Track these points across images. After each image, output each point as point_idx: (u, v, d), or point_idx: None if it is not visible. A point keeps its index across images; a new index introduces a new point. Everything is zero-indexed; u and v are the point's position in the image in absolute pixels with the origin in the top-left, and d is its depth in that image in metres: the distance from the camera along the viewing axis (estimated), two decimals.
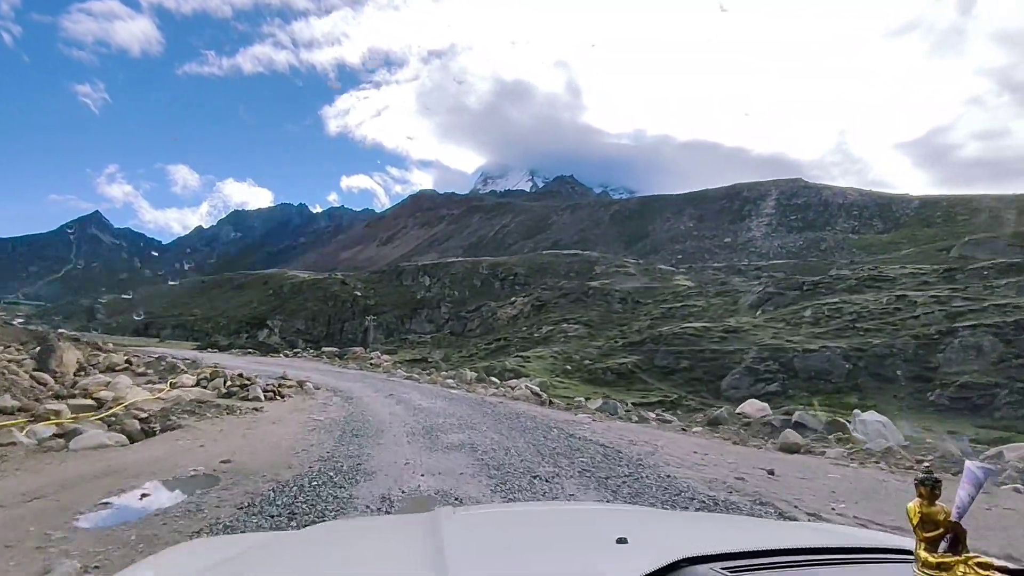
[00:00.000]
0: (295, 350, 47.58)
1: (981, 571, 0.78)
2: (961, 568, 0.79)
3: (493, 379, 23.18)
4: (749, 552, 0.98)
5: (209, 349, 41.60)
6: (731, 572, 0.88)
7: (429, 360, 43.19)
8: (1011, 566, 0.81)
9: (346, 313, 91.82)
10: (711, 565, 0.91)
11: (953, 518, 0.82)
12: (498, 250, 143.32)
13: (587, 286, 68.65)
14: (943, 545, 0.83)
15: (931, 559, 0.81)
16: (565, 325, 52.75)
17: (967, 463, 0.85)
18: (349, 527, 2.02)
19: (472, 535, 1.39)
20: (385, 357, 36.48)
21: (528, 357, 39.65)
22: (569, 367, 37.31)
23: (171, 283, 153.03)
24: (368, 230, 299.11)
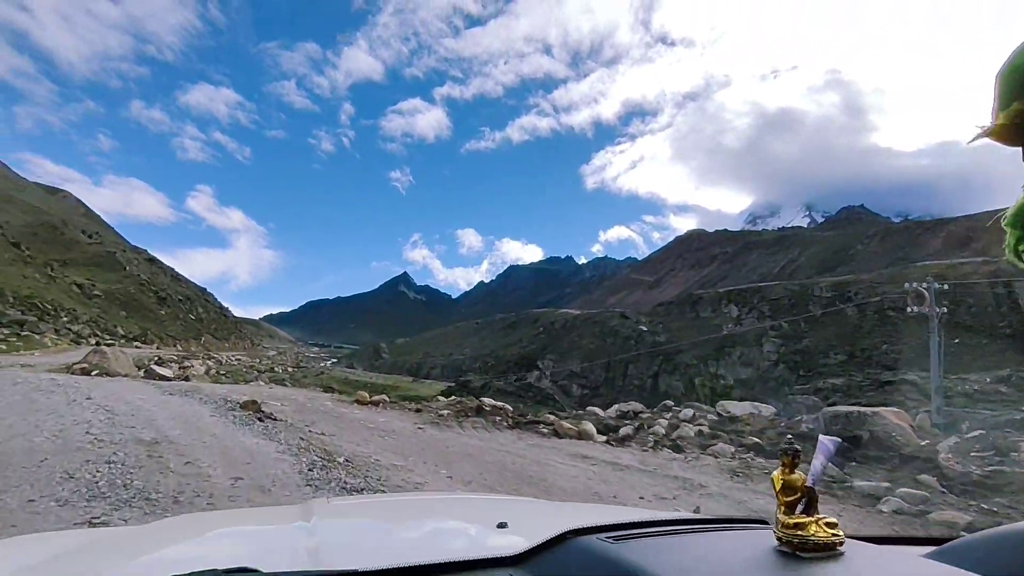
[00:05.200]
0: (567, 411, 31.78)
1: (828, 529, 0.90)
2: (813, 527, 0.90)
3: None
4: (629, 523, 1.04)
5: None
6: (615, 540, 0.94)
7: None
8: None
9: (628, 351, 74.76)
10: (597, 535, 0.97)
11: (808, 484, 0.93)
12: None
13: None
14: (799, 508, 0.93)
15: (789, 520, 0.92)
16: None
17: (820, 437, 0.96)
18: (214, 517, 1.81)
19: (349, 523, 1.38)
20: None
21: None
22: None
23: (456, 326, 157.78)
24: (634, 275, 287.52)
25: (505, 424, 9.42)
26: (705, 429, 9.42)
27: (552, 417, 10.37)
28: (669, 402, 15.15)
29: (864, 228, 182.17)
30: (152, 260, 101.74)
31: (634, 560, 0.85)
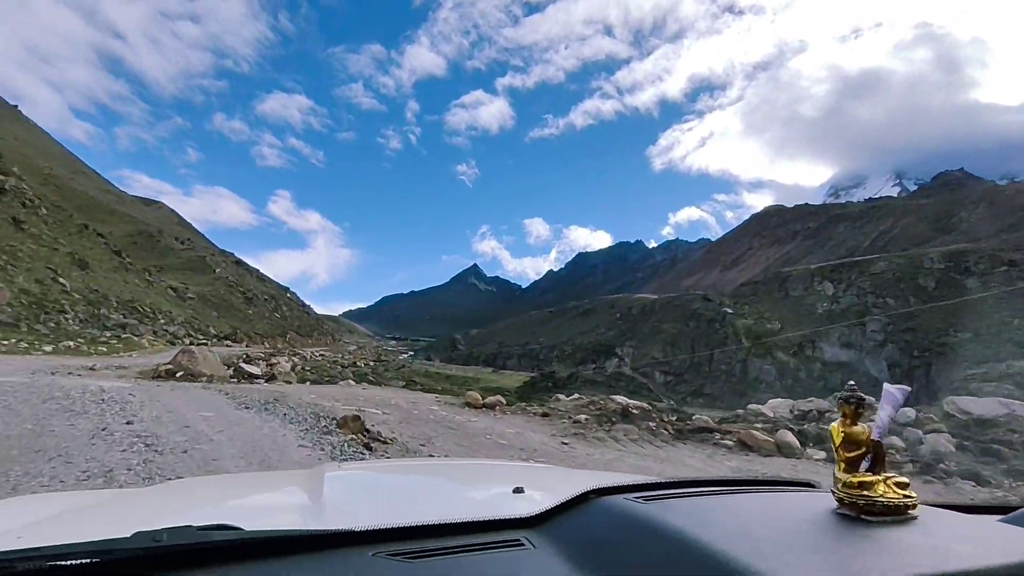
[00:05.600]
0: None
1: (899, 490, 0.81)
2: (881, 487, 0.81)
3: None
4: (660, 483, 0.96)
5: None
6: (645, 500, 0.87)
7: None
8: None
9: (714, 336, 70.32)
10: (624, 496, 0.89)
11: (874, 437, 0.84)
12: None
13: None
14: (863, 465, 0.84)
15: (852, 479, 0.82)
16: None
17: (885, 385, 0.89)
18: (225, 480, 1.86)
19: (357, 486, 1.35)
20: None
21: None
22: None
23: (528, 315, 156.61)
24: (708, 256, 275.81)
25: (666, 432, 7.29)
26: (946, 438, 6.81)
27: (714, 422, 8.10)
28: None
29: (966, 193, 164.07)
30: (239, 262, 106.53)
31: (669, 521, 0.77)
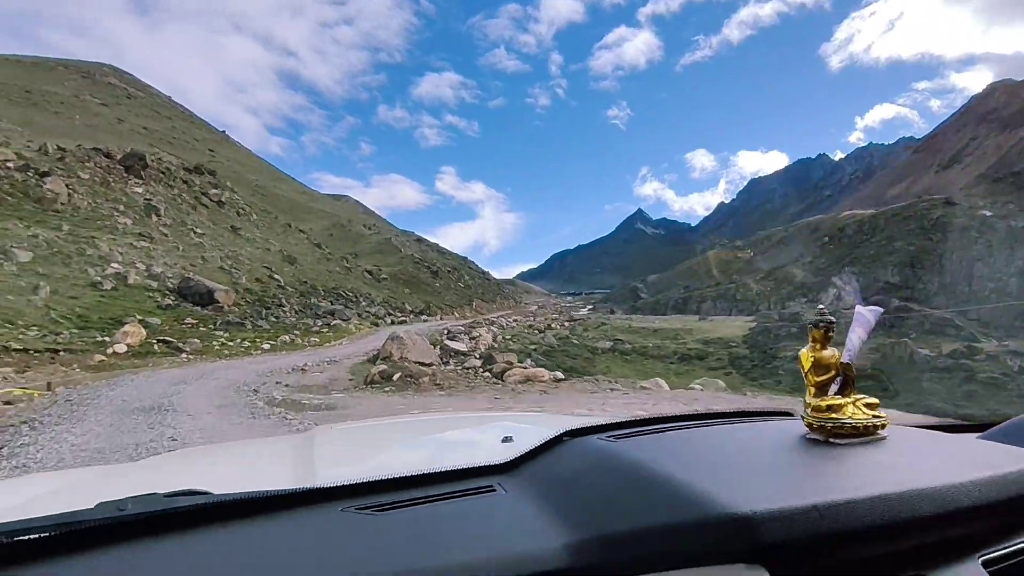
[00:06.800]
0: None
1: (868, 410, 0.82)
2: (850, 409, 0.82)
3: None
4: (634, 421, 0.97)
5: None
6: (616, 439, 0.88)
7: None
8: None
9: (969, 245, 56.04)
10: (597, 435, 0.90)
11: (844, 360, 0.84)
12: None
13: None
14: (833, 388, 0.85)
15: (821, 403, 0.83)
16: None
17: (857, 307, 0.88)
18: (214, 449, 1.85)
19: (346, 446, 1.37)
20: None
21: None
22: None
23: (707, 254, 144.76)
24: (917, 157, 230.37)
25: None
26: None
27: None
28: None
29: None
30: (420, 240, 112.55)
31: (637, 456, 0.78)
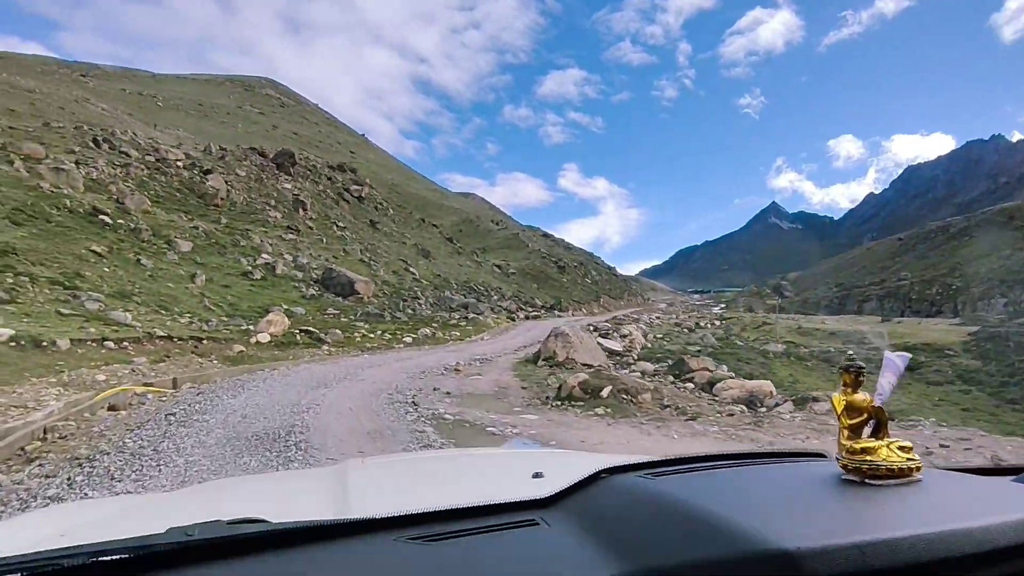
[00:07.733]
0: None
1: (902, 453, 0.82)
2: (884, 451, 0.82)
3: None
4: (671, 459, 0.99)
5: None
6: (654, 476, 0.90)
7: None
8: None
9: None
10: (635, 473, 0.93)
11: (875, 404, 0.86)
12: None
13: None
14: (866, 431, 0.86)
15: (855, 445, 0.84)
16: None
17: (886, 353, 0.89)
18: (252, 480, 1.91)
19: (380, 479, 1.41)
20: None
21: None
22: None
23: (867, 246, 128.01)
24: None
25: None
26: None
27: None
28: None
29: None
30: (546, 235, 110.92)
31: (677, 494, 0.80)
